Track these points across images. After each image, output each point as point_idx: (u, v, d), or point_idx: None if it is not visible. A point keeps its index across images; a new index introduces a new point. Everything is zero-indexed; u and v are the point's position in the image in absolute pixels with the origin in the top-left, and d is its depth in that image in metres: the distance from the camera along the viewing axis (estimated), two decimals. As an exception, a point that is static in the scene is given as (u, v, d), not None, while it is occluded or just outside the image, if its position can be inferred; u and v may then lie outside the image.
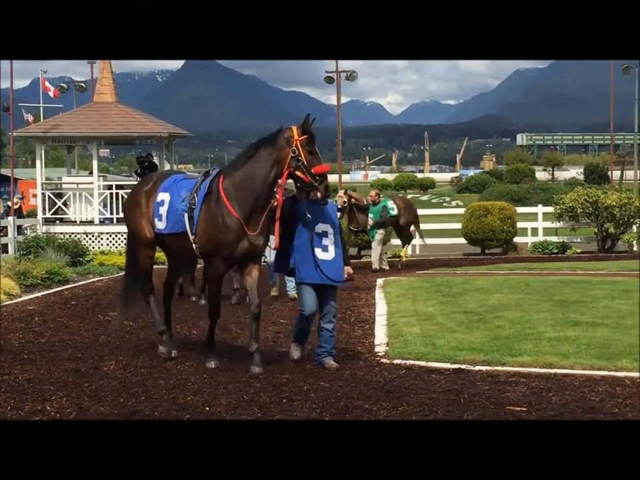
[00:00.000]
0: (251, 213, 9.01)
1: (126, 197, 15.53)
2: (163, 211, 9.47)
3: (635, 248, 25.69)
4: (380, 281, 17.46)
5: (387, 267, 21.32)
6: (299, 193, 9.37)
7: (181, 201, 9.30)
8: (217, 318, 9.68)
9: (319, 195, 9.03)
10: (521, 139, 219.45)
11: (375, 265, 20.65)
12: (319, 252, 9.23)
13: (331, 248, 9.33)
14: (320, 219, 9.31)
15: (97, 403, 7.91)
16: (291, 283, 14.75)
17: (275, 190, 9.27)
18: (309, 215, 9.18)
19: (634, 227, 25.65)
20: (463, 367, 9.27)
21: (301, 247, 9.27)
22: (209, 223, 9.08)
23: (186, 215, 9.21)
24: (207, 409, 7.63)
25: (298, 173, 8.94)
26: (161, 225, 9.58)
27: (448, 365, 9.35)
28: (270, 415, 7.37)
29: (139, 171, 27.36)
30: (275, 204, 9.28)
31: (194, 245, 9.30)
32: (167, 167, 27.47)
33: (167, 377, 9.03)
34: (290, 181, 9.32)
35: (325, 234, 9.35)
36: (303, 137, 8.98)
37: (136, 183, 27.16)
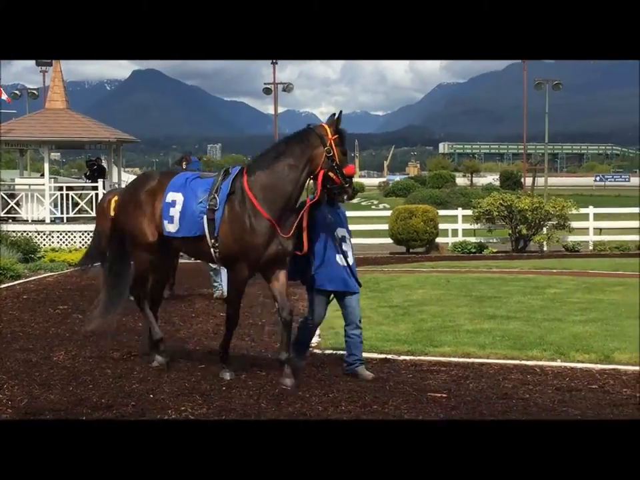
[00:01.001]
0: (282, 214, 7.92)
1: (76, 197, 14.72)
2: (175, 212, 8.23)
3: (545, 248, 26.13)
4: (313, 278, 17.45)
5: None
6: (321, 195, 8.24)
7: (199, 202, 8.11)
8: (235, 327, 8.52)
9: (345, 196, 8.25)
10: (443, 148, 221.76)
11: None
12: (340, 258, 8.34)
13: (349, 253, 8.44)
14: (338, 223, 8.45)
15: (47, 391, 7.81)
16: (219, 283, 14.04)
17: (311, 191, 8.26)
18: (330, 217, 8.36)
19: (544, 229, 26.08)
20: (389, 356, 9.35)
21: (321, 253, 8.33)
22: (235, 225, 7.96)
23: (205, 217, 8.02)
24: (151, 396, 7.58)
25: (331, 173, 7.92)
26: (172, 228, 8.29)
27: (375, 355, 9.42)
28: (210, 401, 7.35)
29: (88, 174, 27.08)
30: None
31: (212, 250, 8.11)
32: (115, 170, 27.19)
33: (114, 366, 8.94)
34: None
35: (343, 239, 8.44)
36: (335, 136, 7.96)
37: (83, 183, 27.20)
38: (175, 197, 8.26)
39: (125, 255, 9.10)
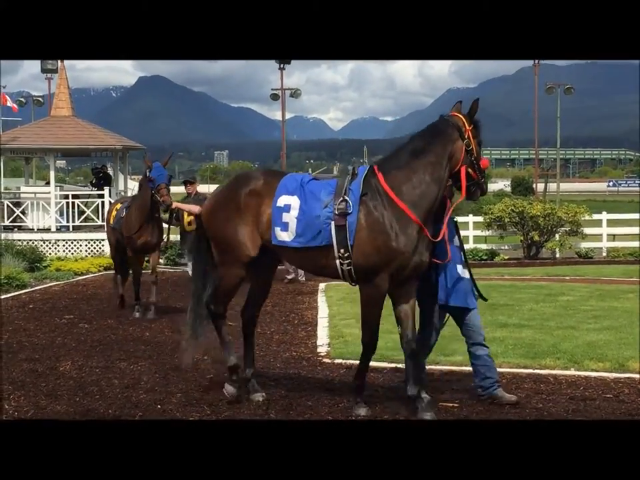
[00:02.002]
0: (428, 218, 7.05)
1: (116, 207, 14.46)
2: (290, 218, 7.12)
3: (558, 255, 26.05)
4: (322, 286, 17.48)
5: (303, 279, 18.75)
6: (451, 192, 7.45)
7: (324, 206, 7.06)
8: (373, 354, 7.54)
9: (479, 192, 7.28)
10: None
11: (294, 276, 18.46)
12: (459, 268, 7.54)
13: (465, 265, 7.65)
14: (454, 232, 7.63)
15: (54, 401, 7.84)
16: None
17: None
18: (456, 219, 7.62)
19: (556, 236, 25.99)
20: (400, 365, 9.31)
21: (449, 265, 7.42)
22: (376, 231, 6.93)
23: (332, 223, 6.98)
24: (159, 406, 7.61)
25: (470, 170, 7.12)
26: (285, 236, 7.16)
27: (386, 364, 9.40)
28: (218, 412, 7.38)
29: (94, 182, 27.11)
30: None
31: (338, 261, 7.03)
32: (121, 178, 27.25)
33: (121, 376, 8.97)
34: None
35: (461, 247, 7.72)
36: (472, 127, 7.13)
37: (89, 191, 27.23)
38: (289, 201, 7.19)
39: (212, 269, 7.91)
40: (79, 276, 20.66)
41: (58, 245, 24.28)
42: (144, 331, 12.04)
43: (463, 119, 7.13)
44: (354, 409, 7.26)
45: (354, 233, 6.92)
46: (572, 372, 8.89)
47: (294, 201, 7.16)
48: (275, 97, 37.92)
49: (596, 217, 27.51)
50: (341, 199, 6.99)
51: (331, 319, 12.97)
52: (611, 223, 28.48)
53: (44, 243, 24.07)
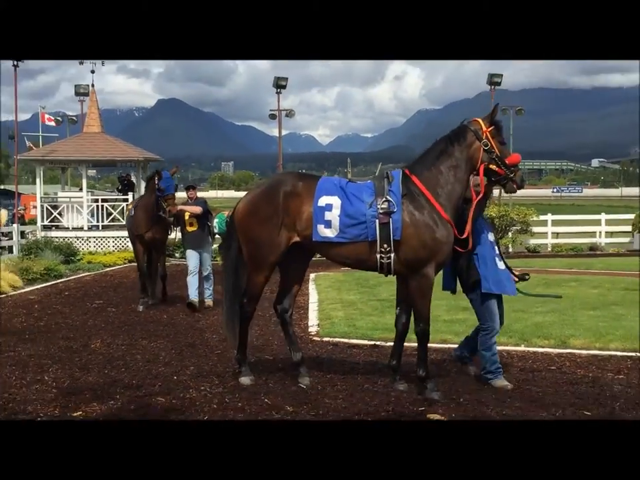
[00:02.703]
0: (454, 216, 6.85)
1: (129, 207, 14.11)
2: (333, 216, 6.77)
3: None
4: (312, 275, 17.44)
5: None
6: (488, 191, 7.18)
7: (368, 206, 6.75)
8: (428, 341, 7.13)
9: (514, 186, 6.95)
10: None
11: None
12: (498, 260, 7.19)
13: (501, 257, 7.30)
14: (489, 227, 7.37)
15: (86, 373, 7.82)
16: (209, 291, 12.91)
17: (477, 185, 7.02)
18: (484, 220, 7.26)
19: (509, 234, 26.04)
20: (378, 343, 9.33)
21: (485, 256, 7.10)
22: (422, 227, 6.69)
23: (377, 221, 6.70)
24: (175, 377, 7.59)
25: (492, 166, 6.84)
26: (329, 233, 6.79)
27: (366, 342, 9.41)
28: (225, 382, 7.36)
29: (119, 188, 27.01)
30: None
31: (379, 256, 6.76)
32: (143, 185, 27.14)
33: (143, 352, 8.95)
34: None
35: (496, 241, 7.36)
36: (491, 128, 6.89)
37: (115, 195, 27.20)
38: (330, 201, 6.83)
39: (244, 266, 7.35)
40: (107, 267, 20.64)
41: (89, 241, 24.30)
42: (162, 314, 12.02)
43: (481, 122, 6.93)
44: (426, 393, 6.77)
45: (400, 230, 6.66)
46: (522, 348, 8.91)
47: (335, 201, 6.82)
48: (272, 117, 37.82)
49: (542, 217, 27.63)
50: (384, 199, 6.72)
51: (319, 303, 12.95)
52: (555, 222, 28.64)
53: (77, 239, 24.12)
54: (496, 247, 7.26)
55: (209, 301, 12.81)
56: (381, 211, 6.68)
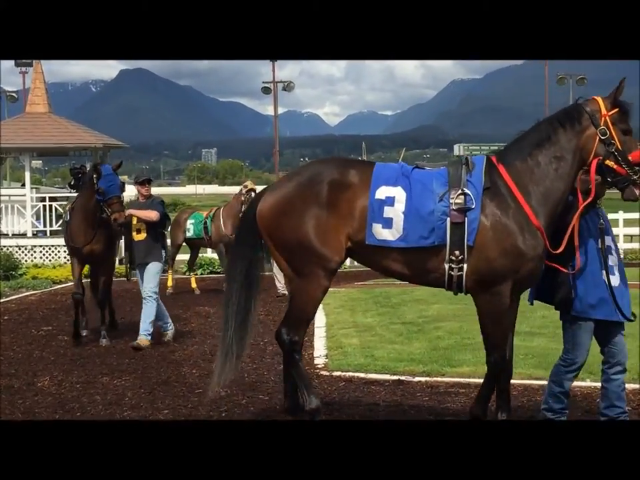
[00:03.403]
0: (550, 223, 6.45)
1: (62, 207, 13.37)
2: (396, 213, 6.31)
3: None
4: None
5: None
6: (599, 192, 6.64)
7: (439, 199, 6.32)
8: (506, 374, 6.94)
9: (637, 192, 6.36)
10: (458, 149, 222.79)
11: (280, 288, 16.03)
12: (606, 275, 6.60)
13: (616, 270, 6.70)
14: (603, 230, 6.73)
15: (32, 419, 7.82)
16: (167, 324, 12.23)
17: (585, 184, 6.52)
18: (593, 221, 6.69)
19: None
20: (403, 378, 9.32)
21: (587, 270, 6.60)
22: (504, 232, 6.33)
23: (448, 220, 6.29)
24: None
25: (609, 162, 6.30)
26: (389, 235, 6.34)
27: (387, 377, 9.39)
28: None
29: (72, 183, 26.97)
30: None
31: (448, 265, 6.37)
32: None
33: (104, 392, 8.95)
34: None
35: (609, 250, 6.69)
36: (613, 111, 6.33)
37: (67, 193, 27.01)
38: (392, 193, 6.38)
39: (258, 281, 7.06)
40: (57, 284, 20.64)
41: (34, 251, 24.22)
42: (127, 343, 12.01)
43: (600, 102, 6.42)
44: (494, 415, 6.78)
45: (475, 233, 6.29)
46: (587, 383, 8.88)
47: (398, 193, 6.38)
48: (266, 91, 38.00)
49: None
50: (459, 191, 6.32)
51: (328, 328, 12.94)
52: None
53: (19, 249, 24.02)
54: (611, 256, 6.73)
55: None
56: (454, 207, 6.29)
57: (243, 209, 17.16)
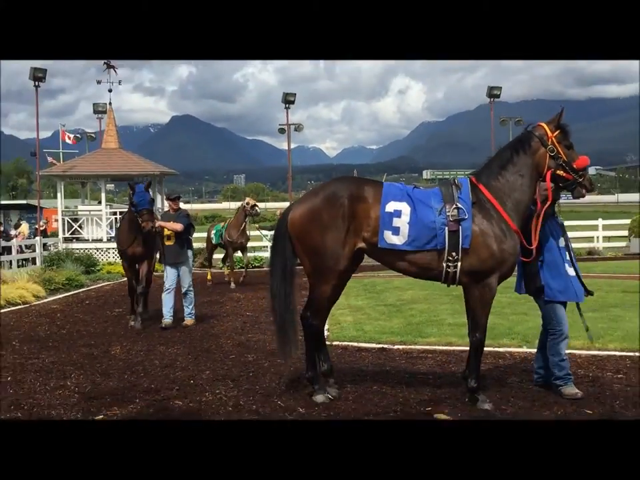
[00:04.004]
0: (521, 225, 6.47)
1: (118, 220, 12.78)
2: (402, 223, 6.23)
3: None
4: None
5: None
6: (556, 196, 6.61)
7: (438, 213, 6.29)
8: (482, 350, 6.69)
9: (583, 191, 6.46)
10: (426, 174, 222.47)
11: None
12: (566, 267, 6.69)
13: (572, 263, 6.76)
14: (560, 232, 6.78)
15: (107, 379, 7.83)
16: (187, 309, 11.71)
17: (544, 192, 6.56)
18: (553, 225, 6.74)
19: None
20: (385, 346, 9.31)
21: (552, 263, 6.65)
22: (491, 237, 6.28)
23: (446, 228, 6.25)
24: (192, 381, 7.59)
25: (559, 172, 6.38)
26: (397, 240, 6.25)
27: (374, 345, 9.38)
28: (239, 385, 7.36)
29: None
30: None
31: (445, 264, 6.30)
32: (159, 198, 27.24)
33: (161, 358, 8.95)
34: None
35: (567, 247, 6.77)
36: (557, 132, 6.41)
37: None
38: (399, 207, 6.29)
39: (294, 273, 6.79)
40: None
41: (108, 252, 24.27)
42: (178, 321, 12.00)
43: (546, 127, 6.47)
44: (478, 404, 6.39)
45: (469, 238, 6.25)
46: (524, 349, 8.87)
47: (404, 207, 6.29)
48: (282, 131, 37.90)
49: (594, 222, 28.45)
50: (454, 205, 6.28)
51: (329, 309, 12.89)
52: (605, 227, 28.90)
53: (97, 250, 24.14)
54: (567, 253, 6.78)
55: (188, 320, 11.65)
56: (450, 219, 6.24)
57: (246, 220, 17.71)
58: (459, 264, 6.30)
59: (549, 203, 6.50)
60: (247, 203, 17.81)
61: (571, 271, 6.72)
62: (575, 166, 6.40)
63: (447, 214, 6.25)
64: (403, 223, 6.24)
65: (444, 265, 6.31)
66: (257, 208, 17.77)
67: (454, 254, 6.25)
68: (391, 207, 6.28)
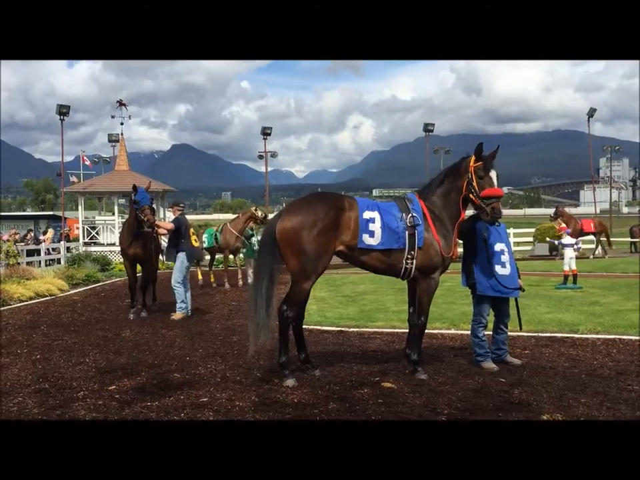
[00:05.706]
0: (453, 231, 6.49)
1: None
2: (376, 227, 6.22)
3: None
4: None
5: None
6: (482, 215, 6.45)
7: (400, 220, 6.28)
8: (424, 332, 6.69)
9: (486, 215, 6.29)
10: (375, 192, 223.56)
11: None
12: (498, 268, 6.67)
13: (507, 264, 6.72)
14: (498, 238, 6.76)
15: (118, 356, 7.72)
16: (183, 304, 10.86)
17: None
18: (485, 235, 6.70)
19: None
20: (343, 329, 9.32)
21: (481, 264, 6.69)
22: (435, 239, 6.34)
23: (407, 232, 6.26)
24: (187, 358, 7.52)
25: (471, 196, 6.35)
26: (372, 241, 6.21)
27: (334, 328, 9.38)
28: (226, 361, 7.31)
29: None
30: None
31: (404, 261, 6.30)
32: (162, 210, 26.93)
33: (163, 339, 8.86)
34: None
35: (502, 252, 6.73)
36: (477, 164, 6.34)
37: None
38: (372, 215, 6.26)
39: (276, 275, 6.50)
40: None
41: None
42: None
43: (472, 159, 6.39)
44: (417, 375, 6.40)
45: (422, 240, 6.29)
46: (453, 331, 8.94)
47: (376, 215, 6.26)
48: (260, 157, 37.72)
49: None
50: (410, 215, 6.31)
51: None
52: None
53: (111, 253, 23.87)
54: (502, 255, 6.69)
55: (174, 314, 10.87)
56: (408, 224, 6.28)
57: (247, 225, 16.03)
58: (414, 261, 6.31)
59: (460, 219, 6.49)
60: (256, 209, 16.24)
61: (503, 271, 6.67)
62: (482, 194, 6.27)
63: (405, 221, 6.29)
64: (376, 227, 6.23)
65: (404, 262, 6.30)
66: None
67: (412, 252, 6.27)
68: (367, 215, 6.24)
